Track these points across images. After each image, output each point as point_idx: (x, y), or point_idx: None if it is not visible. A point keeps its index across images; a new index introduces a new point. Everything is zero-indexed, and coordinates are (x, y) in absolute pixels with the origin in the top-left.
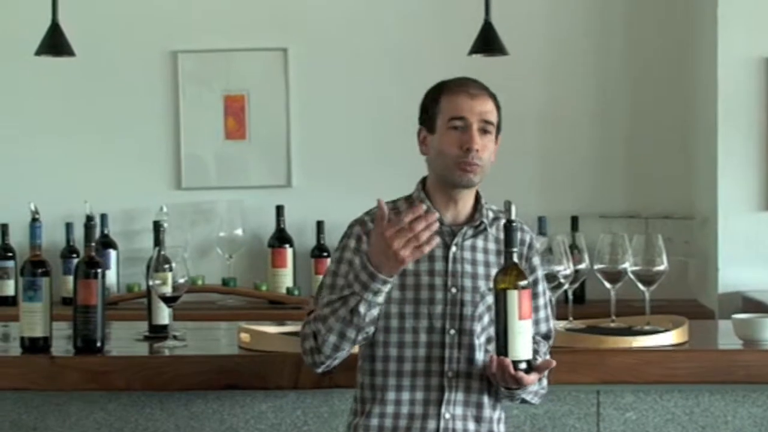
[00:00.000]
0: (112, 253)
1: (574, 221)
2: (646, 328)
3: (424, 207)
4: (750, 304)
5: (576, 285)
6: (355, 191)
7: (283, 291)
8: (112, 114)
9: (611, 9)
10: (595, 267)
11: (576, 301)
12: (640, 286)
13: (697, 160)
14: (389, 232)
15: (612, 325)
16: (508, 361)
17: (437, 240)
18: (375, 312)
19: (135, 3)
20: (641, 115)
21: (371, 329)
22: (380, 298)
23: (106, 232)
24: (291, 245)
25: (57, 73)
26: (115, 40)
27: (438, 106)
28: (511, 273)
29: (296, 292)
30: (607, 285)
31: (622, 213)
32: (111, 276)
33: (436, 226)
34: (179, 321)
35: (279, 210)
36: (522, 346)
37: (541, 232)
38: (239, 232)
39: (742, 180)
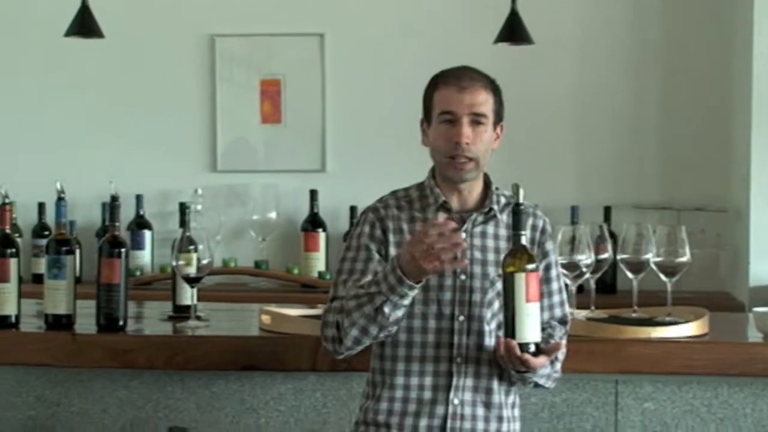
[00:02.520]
0: (147, 233)
1: (607, 211)
2: (667, 319)
3: (453, 224)
4: None
5: (598, 274)
6: (388, 177)
7: (315, 275)
8: (149, 97)
9: None
10: (619, 257)
11: (607, 291)
12: (662, 277)
13: (732, 152)
14: (414, 241)
15: (633, 315)
16: (514, 343)
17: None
18: (400, 313)
19: None
20: (677, 106)
21: (394, 328)
22: (406, 301)
23: (141, 213)
24: (324, 229)
25: (91, 56)
26: (152, 23)
27: (432, 100)
28: (518, 256)
29: (328, 276)
30: (630, 275)
31: (656, 204)
32: (146, 256)
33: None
34: (211, 302)
35: (313, 194)
36: (530, 328)
37: (574, 221)
38: (273, 215)
39: None
